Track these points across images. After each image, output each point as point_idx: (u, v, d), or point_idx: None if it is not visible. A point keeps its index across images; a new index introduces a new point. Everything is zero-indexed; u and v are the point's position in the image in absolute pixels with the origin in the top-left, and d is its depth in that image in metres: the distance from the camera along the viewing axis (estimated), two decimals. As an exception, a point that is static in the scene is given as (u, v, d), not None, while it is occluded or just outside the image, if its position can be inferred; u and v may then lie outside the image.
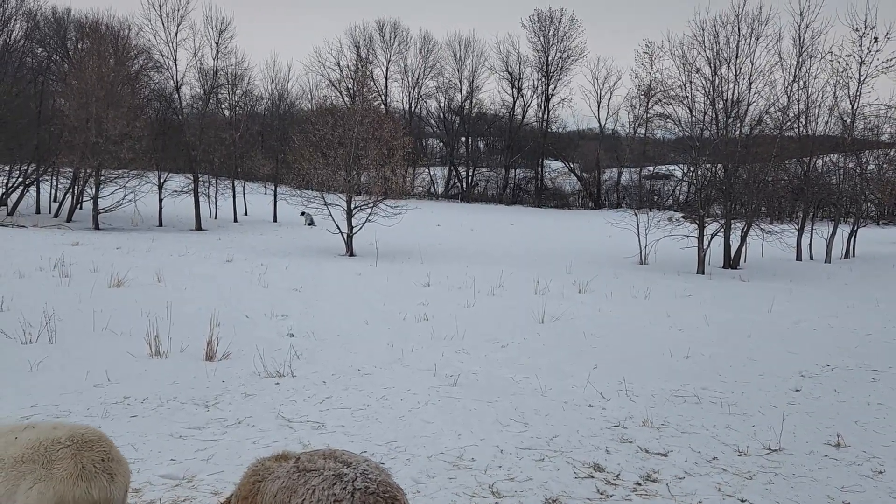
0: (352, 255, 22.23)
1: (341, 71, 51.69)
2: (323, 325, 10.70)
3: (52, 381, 7.01)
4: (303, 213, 32.55)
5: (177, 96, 32.34)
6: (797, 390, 7.72)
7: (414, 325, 11.03)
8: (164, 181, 30.91)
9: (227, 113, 36.01)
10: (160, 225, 30.51)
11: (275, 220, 35.02)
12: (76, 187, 29.72)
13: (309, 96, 52.75)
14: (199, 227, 29.94)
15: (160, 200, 30.78)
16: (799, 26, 24.73)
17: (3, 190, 30.27)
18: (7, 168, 30.11)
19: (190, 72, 45.25)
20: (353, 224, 22.70)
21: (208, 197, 33.74)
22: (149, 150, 28.32)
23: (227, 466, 5.07)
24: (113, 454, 3.28)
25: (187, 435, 5.75)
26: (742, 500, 4.71)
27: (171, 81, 32.02)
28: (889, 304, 14.78)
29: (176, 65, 31.56)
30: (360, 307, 12.58)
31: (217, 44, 34.34)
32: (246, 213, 37.02)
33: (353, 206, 22.73)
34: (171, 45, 31.39)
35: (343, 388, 7.29)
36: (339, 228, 22.72)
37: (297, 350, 8.78)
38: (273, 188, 35.66)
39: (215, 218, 34.34)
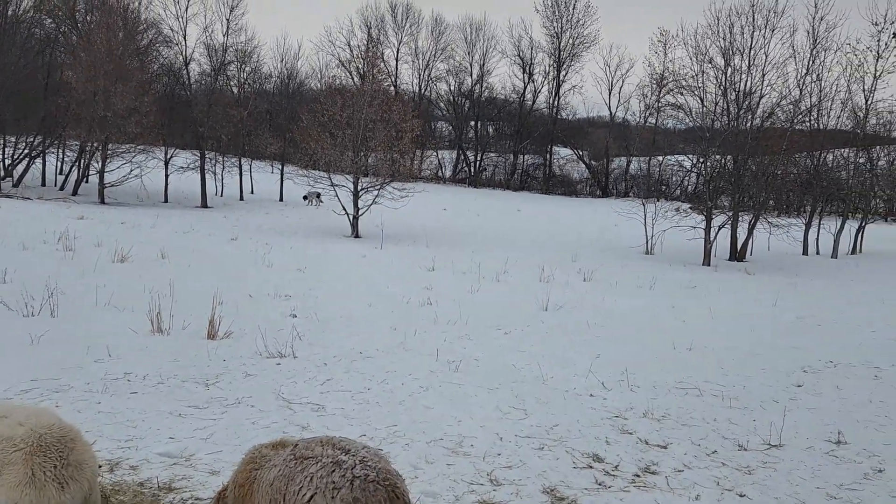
0: (357, 236, 22.21)
1: (352, 51, 51.43)
2: (326, 306, 10.69)
3: (53, 354, 7.01)
4: (305, 197, 32.57)
5: (185, 72, 32.23)
6: (799, 386, 7.68)
7: (417, 309, 11.01)
8: (171, 157, 30.91)
9: (235, 90, 35.90)
10: (166, 201, 30.53)
11: (281, 200, 35.00)
12: (82, 160, 29.74)
13: (318, 76, 52.56)
14: (204, 205, 29.96)
15: (166, 176, 30.78)
16: (813, 18, 24.55)
17: (10, 161, 30.31)
18: (13, 139, 30.14)
19: (199, 48, 45.09)
20: (360, 206, 22.66)
21: (215, 174, 33.74)
22: (156, 126, 28.29)
23: (226, 446, 5.06)
24: (71, 459, 3.09)
25: (187, 413, 5.74)
26: (741, 496, 4.68)
27: (181, 57, 31.91)
28: (894, 301, 14.68)
29: (185, 40, 31.45)
30: (363, 289, 12.56)
31: (228, 20, 34.19)
32: (252, 192, 37.01)
33: (359, 187, 22.68)
34: (180, 19, 31.28)
35: (344, 370, 7.28)
36: (345, 209, 22.67)
37: (300, 331, 8.77)
38: (280, 167, 35.60)
39: (221, 196, 34.34)
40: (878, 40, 25.04)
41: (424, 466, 4.88)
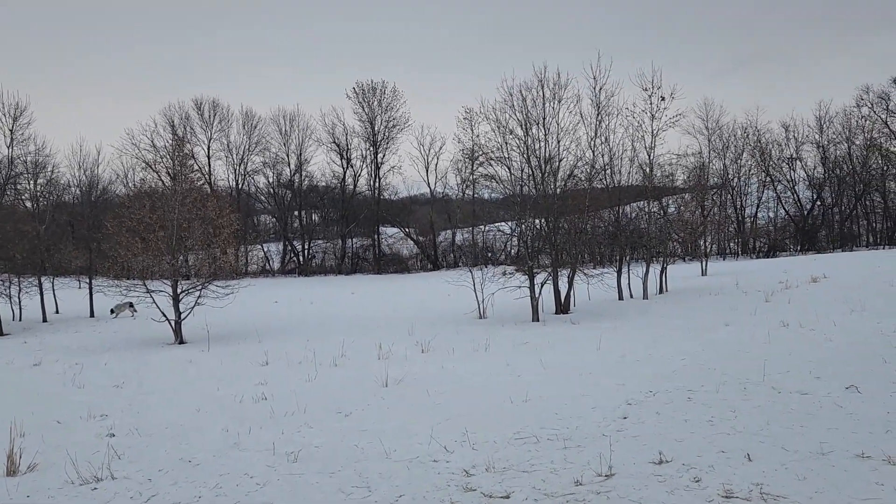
0: (182, 342, 20.83)
1: (157, 151, 49.56)
2: (148, 420, 9.83)
3: None
4: (113, 310, 30.33)
5: (-35, 189, 29.14)
6: (625, 417, 8.21)
7: (251, 407, 10.46)
8: (-46, 284, 27.41)
9: (28, 204, 32.93)
10: (-49, 334, 26.79)
11: (92, 315, 32.09)
12: None
13: (124, 180, 49.91)
14: None
15: (-51, 306, 27.17)
16: (594, 88, 27.40)
17: None
18: None
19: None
20: (182, 310, 21.37)
21: (9, 297, 30.28)
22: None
23: None
24: None
25: (-22, 567, 4.95)
26: (579, 528, 4.86)
27: (-43, 173, 28.89)
28: (698, 331, 16.32)
29: (-39, 154, 28.57)
30: (190, 395, 11.73)
31: (11, 131, 31.62)
32: (57, 311, 33.60)
33: (179, 290, 21.44)
34: (-46, 133, 28.46)
35: (171, 482, 6.69)
36: (164, 316, 21.25)
37: (118, 450, 7.96)
38: (88, 281, 32.79)
39: (20, 320, 30.80)
40: (650, 103, 28.53)
41: (264, 567, 4.56)
